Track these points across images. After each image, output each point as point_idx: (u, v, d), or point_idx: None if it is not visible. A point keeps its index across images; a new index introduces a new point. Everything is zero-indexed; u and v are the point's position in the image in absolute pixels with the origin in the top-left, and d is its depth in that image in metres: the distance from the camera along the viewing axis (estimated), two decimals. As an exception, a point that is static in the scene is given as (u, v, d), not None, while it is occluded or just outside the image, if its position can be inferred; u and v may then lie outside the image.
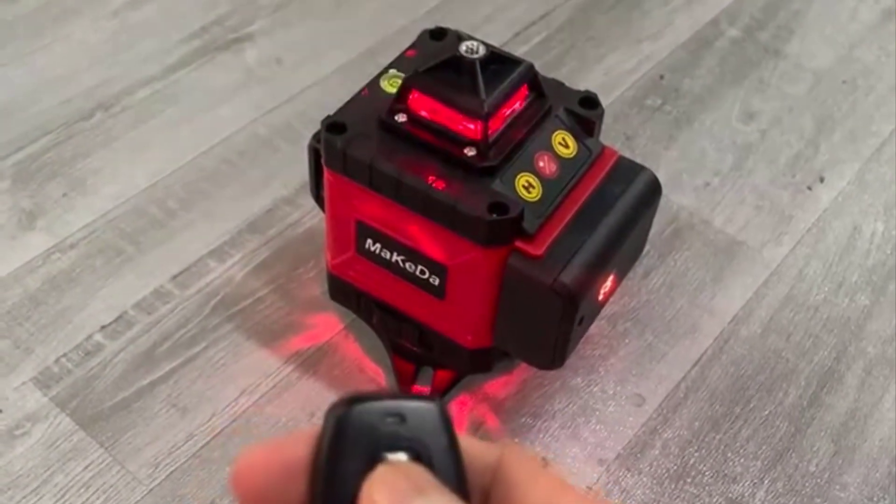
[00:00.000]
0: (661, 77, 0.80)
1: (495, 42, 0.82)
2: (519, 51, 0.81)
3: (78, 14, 0.80)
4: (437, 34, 0.55)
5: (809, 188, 0.73)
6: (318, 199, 0.57)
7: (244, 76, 0.77)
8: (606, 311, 0.60)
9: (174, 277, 0.63)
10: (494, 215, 0.47)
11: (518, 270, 0.48)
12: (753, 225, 0.70)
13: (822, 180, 0.74)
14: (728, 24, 0.86)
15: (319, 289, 0.62)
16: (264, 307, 0.62)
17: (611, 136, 0.75)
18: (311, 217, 0.66)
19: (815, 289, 0.67)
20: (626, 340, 0.62)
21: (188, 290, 0.62)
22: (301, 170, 0.64)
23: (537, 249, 0.48)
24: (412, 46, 0.55)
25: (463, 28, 0.84)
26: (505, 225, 0.47)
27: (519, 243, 0.48)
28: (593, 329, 0.61)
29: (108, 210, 0.66)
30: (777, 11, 0.88)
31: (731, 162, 0.74)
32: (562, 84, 0.54)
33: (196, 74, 0.76)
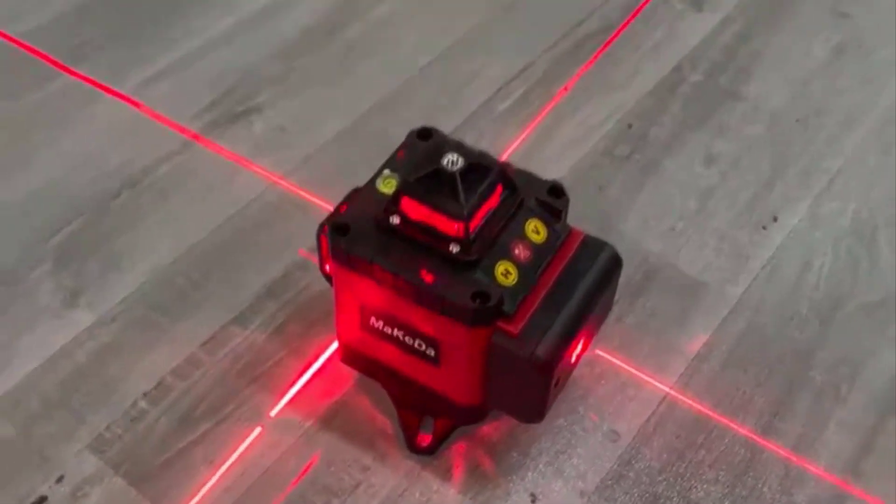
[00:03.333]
0: (630, 126, 0.89)
1: (482, 97, 0.91)
2: (501, 107, 0.89)
3: (98, 97, 0.88)
4: (424, 134, 0.63)
5: (764, 227, 0.81)
6: (326, 276, 0.65)
7: (253, 147, 0.85)
8: (586, 354, 0.69)
9: (203, 345, 0.72)
10: (477, 303, 0.55)
11: (500, 346, 0.57)
12: (714, 266, 0.78)
13: (775, 219, 0.82)
14: (690, 69, 0.94)
15: (332, 348, 0.71)
16: (283, 368, 0.71)
17: (586, 187, 0.83)
18: (322, 281, 0.75)
19: (769, 324, 0.75)
20: (602, 381, 0.71)
21: (216, 355, 0.71)
22: (308, 235, 0.72)
23: (515, 328, 0.56)
24: (402, 147, 0.63)
25: (452, 82, 0.93)
26: (487, 310, 0.56)
27: (500, 323, 0.56)
28: (574, 373, 0.69)
29: (141, 284, 0.75)
30: (736, 53, 0.96)
31: (694, 206, 0.83)
32: (531, 175, 0.62)
33: (210, 147, 0.85)
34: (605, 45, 0.95)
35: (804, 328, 0.75)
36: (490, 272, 0.57)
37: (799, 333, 0.75)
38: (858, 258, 0.79)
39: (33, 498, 0.63)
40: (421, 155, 0.60)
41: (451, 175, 0.56)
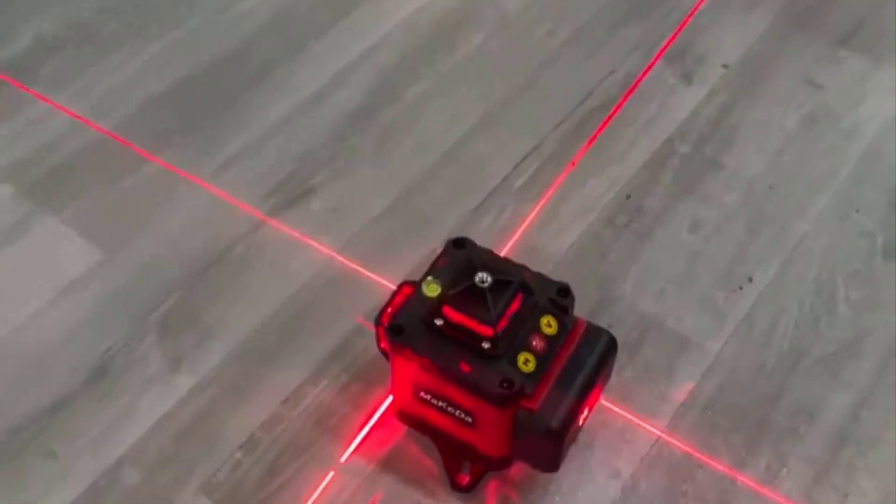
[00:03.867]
0: (628, 197, 1.04)
1: (500, 175, 1.07)
2: (518, 183, 1.06)
3: (180, 182, 1.05)
4: (458, 244, 0.80)
5: (741, 287, 0.97)
6: (382, 350, 0.82)
7: (312, 225, 1.02)
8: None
9: (283, 402, 0.89)
10: (504, 388, 0.72)
11: (523, 420, 0.74)
12: (697, 324, 0.95)
13: (750, 280, 0.98)
14: (680, 142, 1.09)
15: (387, 402, 0.88)
16: (349, 421, 0.88)
17: (590, 254, 0.99)
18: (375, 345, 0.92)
19: (742, 374, 0.91)
20: (606, 427, 0.88)
21: (294, 411, 0.88)
22: (361, 304, 0.91)
23: (534, 405, 0.73)
24: (442, 255, 0.80)
25: (475, 161, 1.09)
26: (511, 394, 0.72)
27: (522, 401, 0.73)
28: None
29: (230, 350, 0.92)
30: (720, 125, 1.11)
31: (680, 270, 0.99)
32: (543, 277, 0.79)
33: (276, 226, 1.01)
34: (606, 122, 1.11)
35: (771, 378, 0.91)
36: (514, 362, 0.74)
37: (766, 382, 0.91)
38: (819, 315, 0.95)
39: (161, 534, 0.82)
40: (458, 266, 0.77)
41: (482, 290, 0.73)
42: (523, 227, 1.01)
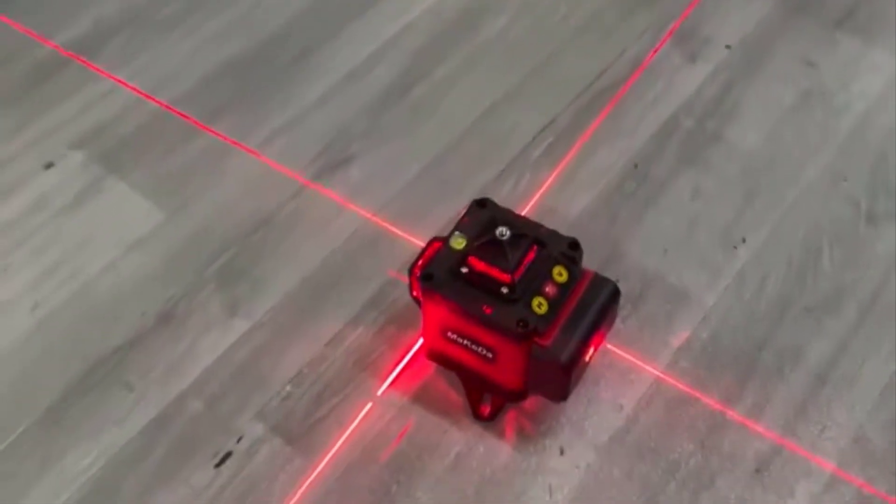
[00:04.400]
0: (636, 166, 1.15)
1: (520, 146, 1.18)
2: (536, 153, 1.16)
3: (232, 151, 1.17)
4: (481, 203, 0.91)
5: (735, 247, 1.08)
6: (414, 298, 0.94)
7: (351, 190, 1.13)
8: (598, 350, 0.97)
9: (327, 344, 1.01)
10: (521, 327, 0.84)
11: (537, 354, 0.85)
12: (695, 280, 1.06)
13: (743, 240, 1.09)
14: (685, 116, 1.20)
15: (418, 344, 1.00)
16: (385, 359, 1.00)
17: (601, 218, 1.10)
18: (407, 294, 1.03)
19: (734, 323, 1.02)
20: (611, 368, 0.99)
21: (336, 350, 1.01)
22: (395, 260, 1.03)
23: (547, 342, 0.85)
24: (466, 214, 0.91)
25: (496, 134, 1.20)
26: (527, 333, 0.84)
27: (536, 339, 0.85)
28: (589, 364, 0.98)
29: (279, 299, 1.04)
30: (722, 101, 1.21)
31: (682, 232, 1.10)
32: (556, 233, 0.90)
33: (319, 190, 1.13)
34: (617, 98, 1.21)
35: (759, 326, 1.02)
36: (529, 305, 0.85)
37: (755, 330, 1.02)
38: (805, 271, 1.06)
39: (223, 453, 0.94)
40: (481, 223, 0.88)
41: (502, 242, 0.84)
42: (541, 191, 1.12)
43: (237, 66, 1.26)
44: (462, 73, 1.26)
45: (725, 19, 1.31)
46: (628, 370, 0.99)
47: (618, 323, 1.00)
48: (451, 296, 0.86)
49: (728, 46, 1.27)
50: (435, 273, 0.88)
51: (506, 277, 0.85)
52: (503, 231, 0.85)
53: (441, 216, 1.09)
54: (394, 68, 1.26)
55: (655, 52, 1.26)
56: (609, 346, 1.00)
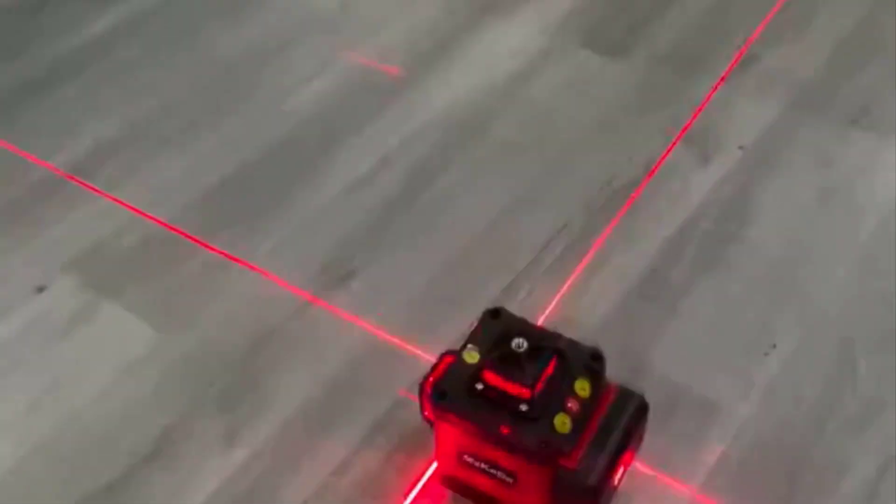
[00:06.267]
0: (654, 271, 1.10)
1: (531, 254, 1.13)
2: (548, 260, 1.11)
3: (229, 269, 1.12)
4: (494, 314, 0.86)
5: (766, 354, 1.02)
6: (427, 420, 0.87)
7: (355, 304, 1.08)
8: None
9: (332, 473, 0.94)
10: (543, 448, 0.77)
11: (562, 478, 0.78)
12: (726, 389, 0.99)
13: (774, 346, 1.02)
14: (702, 218, 1.15)
15: (431, 470, 0.92)
16: (395, 488, 0.92)
17: (620, 326, 1.04)
18: (418, 415, 0.95)
19: (770, 435, 0.95)
20: (641, 492, 0.91)
21: (343, 479, 0.93)
22: (403, 377, 0.97)
23: (572, 464, 0.78)
24: (479, 324, 0.85)
25: (505, 242, 1.15)
26: (550, 454, 0.77)
27: (561, 460, 0.78)
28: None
29: (281, 424, 0.97)
30: (739, 202, 1.17)
31: (707, 339, 1.03)
32: (577, 343, 0.84)
33: (323, 306, 1.08)
34: (630, 201, 1.17)
35: (799, 438, 0.95)
36: (551, 423, 0.79)
37: (795, 442, 0.94)
38: (843, 376, 0.99)
39: None
40: (495, 334, 0.82)
41: (519, 355, 0.78)
42: (555, 300, 1.07)
43: (235, 181, 1.23)
44: (468, 179, 1.22)
45: (736, 120, 1.28)
46: (661, 493, 0.91)
47: (646, 439, 0.93)
48: (466, 415, 0.80)
49: (741, 147, 1.24)
50: (448, 390, 0.81)
51: (525, 393, 0.78)
52: (520, 342, 0.79)
53: (452, 330, 1.02)
54: (397, 178, 1.23)
55: (667, 153, 1.23)
56: (638, 465, 0.92)
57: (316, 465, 0.94)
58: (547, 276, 1.10)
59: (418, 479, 0.92)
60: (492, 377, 0.80)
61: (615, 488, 0.82)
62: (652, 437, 0.94)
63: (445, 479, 0.88)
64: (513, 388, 0.79)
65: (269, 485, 0.93)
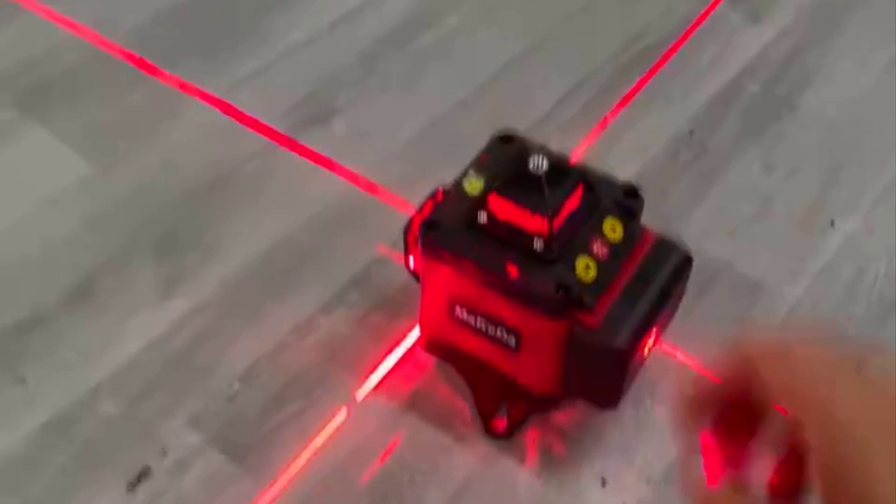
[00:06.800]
0: (691, 133, 0.92)
1: (547, 106, 0.95)
2: (566, 115, 0.94)
3: (185, 102, 0.93)
4: (506, 139, 0.68)
5: (821, 232, 0.85)
6: (411, 271, 0.70)
7: (334, 148, 0.90)
8: (654, 348, 0.73)
9: (292, 331, 0.77)
10: (560, 294, 0.60)
11: (580, 337, 0.61)
12: (774, 269, 0.82)
13: (832, 223, 0.85)
14: (749, 81, 0.98)
15: (411, 337, 0.76)
16: (367, 355, 0.75)
17: (649, 191, 0.86)
18: (400, 275, 0.79)
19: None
20: (669, 375, 0.75)
21: (304, 341, 0.76)
22: (386, 233, 0.79)
23: (595, 320, 0.61)
24: (485, 150, 0.68)
25: (517, 91, 0.97)
26: (568, 302, 0.60)
27: (580, 315, 0.61)
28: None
29: (232, 276, 0.80)
30: (793, 65, 0.99)
31: (752, 211, 0.86)
32: (608, 176, 0.66)
33: (293, 149, 0.90)
34: (666, 58, 0.99)
35: (859, 329, 0.78)
36: (571, 267, 0.61)
37: (854, 334, 0.78)
38: (912, 263, 0.83)
39: (139, 468, 0.69)
40: (506, 158, 0.65)
41: (537, 177, 0.61)
42: (575, 157, 0.89)
43: (198, 4, 1.03)
44: (478, 23, 1.03)
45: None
46: (689, 380, 0.75)
47: (678, 319, 0.76)
48: (464, 251, 0.62)
49: (798, 6, 1.06)
50: (442, 223, 0.64)
51: (541, 225, 0.61)
52: (538, 161, 0.61)
53: (446, 181, 0.85)
54: (397, 12, 1.04)
55: (711, 8, 1.04)
56: (666, 346, 0.76)
57: (272, 322, 0.77)
58: (565, 131, 0.92)
59: (397, 344, 0.75)
60: (500, 205, 0.62)
61: (643, 361, 0.66)
62: (686, 316, 0.77)
63: (430, 343, 0.71)
64: (526, 220, 0.61)
65: (211, 340, 0.76)
